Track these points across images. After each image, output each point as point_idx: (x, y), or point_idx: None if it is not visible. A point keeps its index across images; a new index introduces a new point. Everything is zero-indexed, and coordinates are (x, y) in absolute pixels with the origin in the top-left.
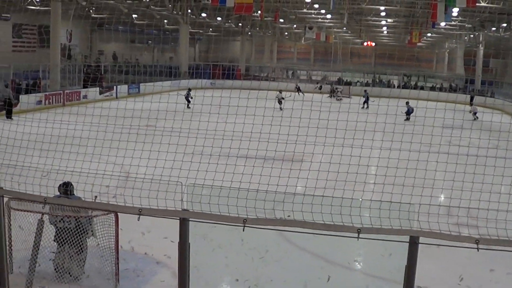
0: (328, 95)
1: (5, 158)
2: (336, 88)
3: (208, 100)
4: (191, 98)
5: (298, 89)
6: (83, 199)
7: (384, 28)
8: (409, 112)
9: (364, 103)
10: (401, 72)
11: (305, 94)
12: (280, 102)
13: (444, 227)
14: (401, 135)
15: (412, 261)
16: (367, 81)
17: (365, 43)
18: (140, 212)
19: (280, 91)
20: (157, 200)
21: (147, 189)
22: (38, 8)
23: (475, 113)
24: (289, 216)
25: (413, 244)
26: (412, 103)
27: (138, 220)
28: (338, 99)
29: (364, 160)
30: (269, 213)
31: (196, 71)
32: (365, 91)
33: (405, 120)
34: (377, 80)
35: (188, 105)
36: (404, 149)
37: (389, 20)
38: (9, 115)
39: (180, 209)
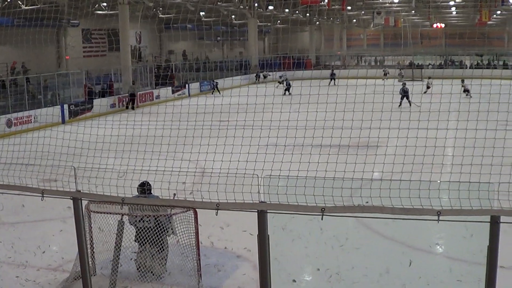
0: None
1: (81, 161)
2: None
3: (280, 91)
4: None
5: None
6: (160, 197)
7: (453, 8)
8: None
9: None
10: (473, 52)
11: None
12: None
13: None
14: (476, 114)
15: (494, 242)
16: (440, 62)
17: (435, 25)
18: (217, 207)
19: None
20: (234, 194)
21: (223, 184)
22: (105, 12)
23: None
24: (367, 202)
25: (494, 223)
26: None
27: (216, 215)
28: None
29: (440, 141)
30: (347, 201)
31: (267, 63)
32: (429, 77)
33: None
34: (449, 62)
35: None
36: (480, 128)
37: (457, 0)
38: (133, 106)
39: (258, 202)
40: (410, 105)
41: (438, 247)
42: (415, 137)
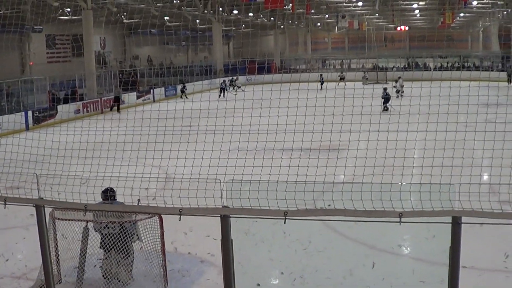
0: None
1: (43, 168)
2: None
3: (245, 95)
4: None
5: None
6: (125, 203)
7: (417, 11)
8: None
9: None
10: (436, 54)
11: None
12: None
13: (487, 205)
14: (437, 116)
15: (456, 242)
16: (404, 65)
17: (399, 28)
18: (180, 212)
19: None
20: (197, 199)
21: (187, 189)
22: (69, 17)
23: None
24: (329, 205)
25: (456, 224)
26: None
27: (179, 220)
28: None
29: (402, 144)
30: (310, 204)
31: (232, 68)
32: (396, 81)
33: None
34: (413, 64)
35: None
36: (440, 130)
37: (420, 2)
38: (118, 109)
39: (221, 206)
40: (387, 109)
41: (401, 248)
42: (376, 140)
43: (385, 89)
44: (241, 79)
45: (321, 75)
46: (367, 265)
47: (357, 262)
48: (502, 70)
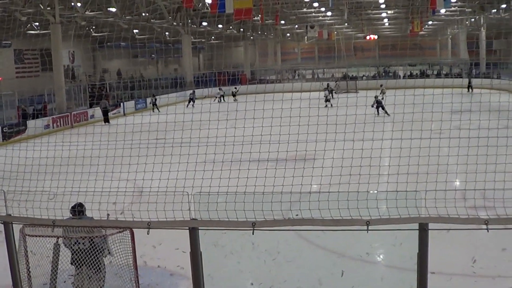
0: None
1: (10, 184)
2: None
3: (216, 107)
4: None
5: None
6: (96, 218)
7: (385, 20)
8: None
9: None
10: (406, 62)
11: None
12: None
13: (455, 211)
14: (410, 124)
15: (423, 248)
16: (374, 74)
17: (368, 37)
18: (149, 225)
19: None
20: (165, 212)
21: (155, 202)
22: (38, 32)
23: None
24: (297, 215)
25: (423, 230)
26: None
27: (148, 233)
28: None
29: (375, 152)
30: (278, 214)
31: (202, 80)
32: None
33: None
34: (383, 73)
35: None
36: (414, 137)
37: (389, 11)
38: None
39: (189, 219)
40: (379, 114)
41: (370, 256)
42: (342, 149)
43: (376, 97)
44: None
45: (327, 84)
46: (336, 274)
47: (326, 271)
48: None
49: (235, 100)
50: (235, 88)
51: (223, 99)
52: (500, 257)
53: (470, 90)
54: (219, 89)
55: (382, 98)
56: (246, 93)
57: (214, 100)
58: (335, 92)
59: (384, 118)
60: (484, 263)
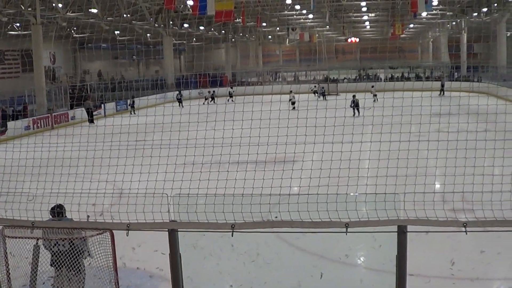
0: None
1: None
2: (317, 86)
3: (196, 109)
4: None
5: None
6: (76, 220)
7: (367, 23)
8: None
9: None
10: (387, 65)
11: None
12: (293, 103)
13: (433, 213)
14: (390, 126)
15: (402, 250)
16: (355, 76)
17: (349, 40)
18: (128, 227)
19: (291, 91)
20: (145, 214)
21: (134, 204)
22: (18, 32)
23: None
24: (276, 217)
25: (402, 233)
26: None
27: (127, 235)
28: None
29: (355, 155)
30: (257, 216)
31: (183, 81)
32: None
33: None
34: (364, 75)
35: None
36: (394, 140)
37: (370, 14)
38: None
39: (168, 221)
40: (359, 114)
41: (349, 258)
42: (321, 152)
43: (353, 96)
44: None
45: (322, 87)
46: (315, 276)
47: (306, 273)
48: (452, 80)
49: (232, 100)
50: (231, 88)
51: (214, 101)
52: (479, 260)
53: (442, 93)
54: (208, 91)
55: (374, 101)
56: (226, 95)
57: (204, 102)
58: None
59: (363, 119)
60: (463, 266)
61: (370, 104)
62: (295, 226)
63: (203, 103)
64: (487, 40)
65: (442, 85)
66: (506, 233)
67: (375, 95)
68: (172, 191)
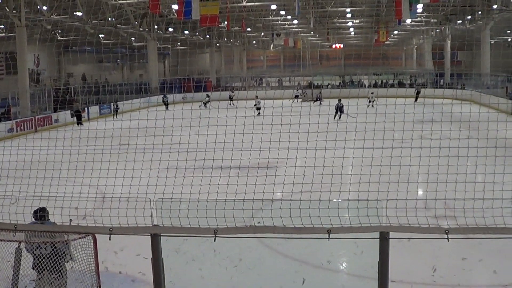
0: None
1: None
2: (300, 91)
3: (180, 114)
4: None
5: (296, 97)
6: (58, 223)
7: (351, 29)
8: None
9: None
10: (371, 71)
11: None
12: (258, 109)
13: (416, 220)
14: (373, 133)
15: (384, 257)
16: (340, 82)
17: (334, 46)
18: (111, 231)
19: (257, 97)
20: (128, 218)
21: (117, 208)
22: (3, 35)
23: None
24: (259, 222)
25: (384, 239)
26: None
27: (110, 239)
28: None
29: (338, 161)
30: (240, 222)
31: (167, 86)
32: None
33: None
34: (348, 82)
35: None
36: (376, 146)
37: (355, 21)
38: (79, 122)
39: (151, 225)
40: (339, 118)
41: (331, 264)
42: (304, 157)
43: (339, 100)
44: (176, 96)
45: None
46: (297, 281)
47: (288, 278)
48: (436, 87)
49: (232, 104)
50: (232, 92)
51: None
52: (460, 266)
53: (416, 100)
54: (207, 95)
55: (372, 106)
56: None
57: (204, 106)
58: (302, 101)
59: (346, 126)
60: (445, 272)
61: (360, 110)
62: (278, 231)
63: (205, 107)
64: (470, 47)
65: (418, 92)
66: (487, 240)
67: (373, 101)
68: (155, 195)
